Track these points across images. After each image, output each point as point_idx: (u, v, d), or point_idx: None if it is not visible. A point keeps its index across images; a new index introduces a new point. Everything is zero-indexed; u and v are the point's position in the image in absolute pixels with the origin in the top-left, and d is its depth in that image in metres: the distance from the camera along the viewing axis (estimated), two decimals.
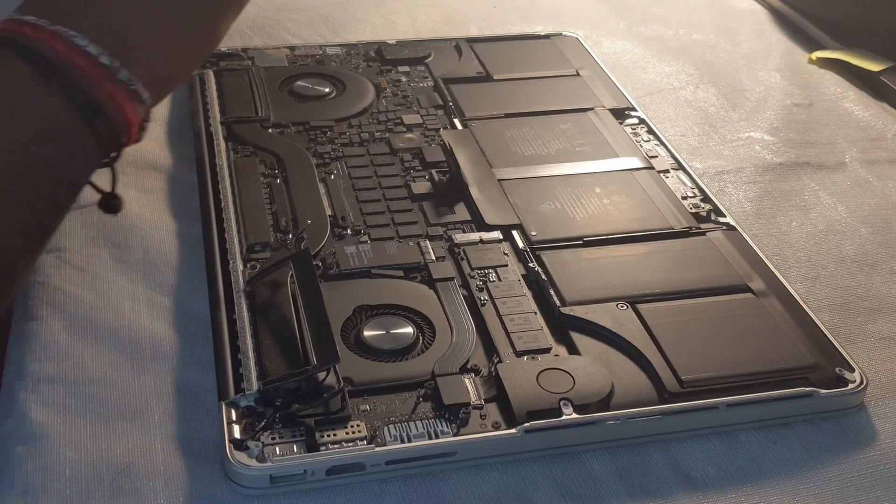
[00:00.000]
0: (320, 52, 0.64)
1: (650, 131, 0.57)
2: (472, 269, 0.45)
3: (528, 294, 0.44)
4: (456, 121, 0.57)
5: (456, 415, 0.37)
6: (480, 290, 0.44)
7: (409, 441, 0.36)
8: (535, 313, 0.42)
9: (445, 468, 0.36)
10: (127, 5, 0.40)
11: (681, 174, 0.53)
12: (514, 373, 0.39)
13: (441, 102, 0.59)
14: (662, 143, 0.55)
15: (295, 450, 0.35)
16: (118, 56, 0.38)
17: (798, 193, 0.54)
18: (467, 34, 0.68)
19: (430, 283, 0.44)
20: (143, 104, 0.40)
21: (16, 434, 0.37)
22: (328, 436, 0.36)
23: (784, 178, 0.55)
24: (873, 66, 0.65)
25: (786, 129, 0.60)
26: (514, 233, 0.47)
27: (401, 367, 0.39)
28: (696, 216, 0.49)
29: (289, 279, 0.42)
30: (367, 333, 0.41)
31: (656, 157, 0.54)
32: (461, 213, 0.49)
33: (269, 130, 0.55)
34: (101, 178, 0.43)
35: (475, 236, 0.47)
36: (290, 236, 0.46)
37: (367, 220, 0.48)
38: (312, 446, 0.35)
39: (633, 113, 0.59)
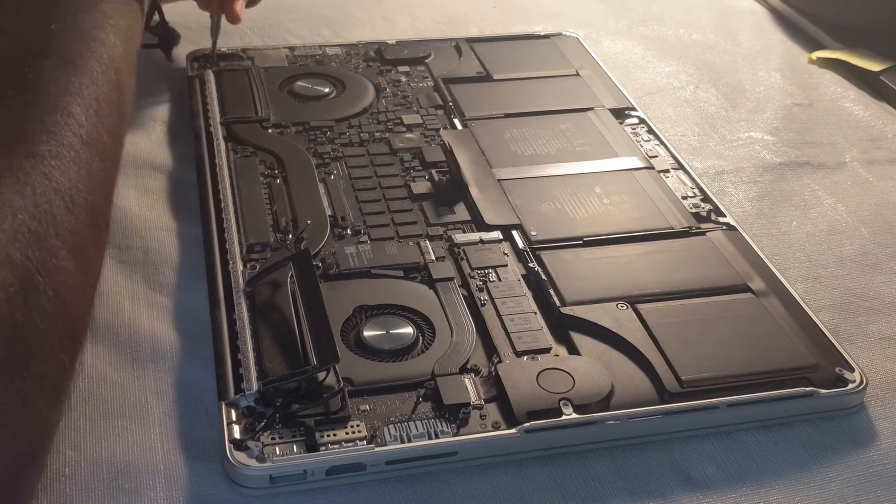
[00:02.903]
0: (320, 52, 0.64)
1: (650, 131, 0.57)
2: (472, 269, 0.45)
3: (528, 294, 0.44)
4: (456, 121, 0.57)
5: (456, 415, 0.37)
6: (480, 290, 0.44)
7: (409, 441, 0.36)
8: (535, 313, 0.42)
9: (445, 468, 0.36)
10: None
11: (681, 174, 0.53)
12: (514, 373, 0.39)
13: (441, 102, 0.59)
14: (662, 143, 0.56)
15: (295, 450, 0.35)
16: None
17: (798, 193, 0.54)
18: (467, 34, 0.68)
19: (430, 283, 0.44)
20: None
21: None
22: (328, 436, 0.36)
23: (784, 178, 0.55)
24: (873, 66, 0.65)
25: (786, 129, 0.60)
26: (514, 233, 0.47)
27: (401, 367, 0.39)
28: (696, 216, 0.49)
29: (289, 279, 0.42)
30: (367, 333, 0.41)
31: (656, 157, 0.54)
32: (461, 213, 0.49)
33: (269, 131, 0.55)
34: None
35: (475, 236, 0.47)
36: (290, 236, 0.46)
37: (367, 220, 0.48)
38: (312, 446, 0.35)
39: (633, 113, 0.59)
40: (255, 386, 0.37)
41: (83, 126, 0.38)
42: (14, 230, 0.31)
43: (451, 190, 0.51)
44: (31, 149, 0.34)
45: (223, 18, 0.60)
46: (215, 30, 0.61)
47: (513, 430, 0.37)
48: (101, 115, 0.39)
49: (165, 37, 0.56)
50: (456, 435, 0.36)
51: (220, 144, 0.53)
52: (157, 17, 0.58)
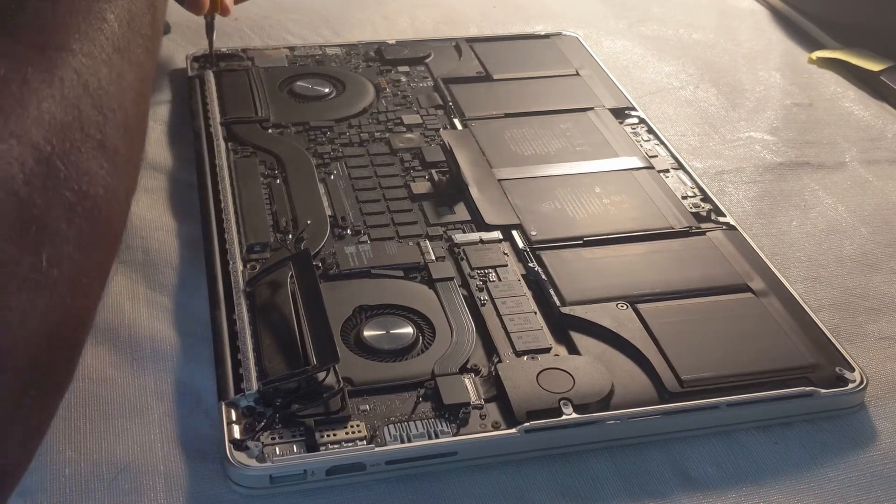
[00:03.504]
0: (320, 52, 0.64)
1: (650, 131, 0.57)
2: (472, 269, 0.45)
3: (528, 294, 0.44)
4: (456, 121, 0.57)
5: (456, 415, 0.37)
6: (480, 290, 0.44)
7: (409, 441, 0.36)
8: (535, 313, 0.42)
9: (445, 468, 0.36)
10: None
11: (681, 174, 0.53)
12: (514, 373, 0.39)
13: (441, 102, 0.59)
14: (662, 143, 0.55)
15: (295, 450, 0.35)
16: None
17: (798, 193, 0.54)
18: (467, 34, 0.68)
19: (430, 283, 0.44)
20: None
21: None
22: (328, 436, 0.36)
23: (784, 177, 0.55)
24: (873, 66, 0.65)
25: (786, 128, 0.60)
26: (514, 233, 0.47)
27: (401, 367, 0.39)
28: (696, 216, 0.49)
29: (289, 279, 0.42)
30: (367, 333, 0.41)
31: (656, 156, 0.54)
32: (461, 213, 0.49)
33: (269, 131, 0.55)
34: None
35: (475, 236, 0.47)
36: (290, 236, 0.46)
37: (367, 220, 0.48)
38: (312, 446, 0.35)
39: (633, 113, 0.59)
40: (255, 386, 0.37)
41: (116, 34, 0.37)
42: (38, 115, 0.31)
43: (451, 190, 0.51)
44: (62, 43, 0.34)
45: (217, 18, 0.60)
46: (210, 30, 0.61)
47: (513, 430, 0.37)
48: (134, 27, 0.38)
49: None
50: (456, 435, 0.36)
51: (220, 144, 0.53)
52: None
